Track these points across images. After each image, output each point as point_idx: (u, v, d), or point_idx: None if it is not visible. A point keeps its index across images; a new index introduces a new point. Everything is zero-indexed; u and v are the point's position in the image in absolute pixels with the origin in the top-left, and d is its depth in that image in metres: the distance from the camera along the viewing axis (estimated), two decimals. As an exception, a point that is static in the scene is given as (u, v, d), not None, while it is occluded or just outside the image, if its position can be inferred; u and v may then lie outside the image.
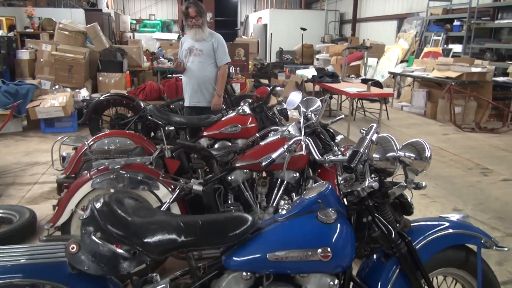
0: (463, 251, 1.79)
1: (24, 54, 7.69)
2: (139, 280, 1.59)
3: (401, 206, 1.75)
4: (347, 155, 1.77)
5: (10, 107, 4.29)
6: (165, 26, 18.48)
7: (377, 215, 1.64)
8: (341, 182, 1.69)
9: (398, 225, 1.68)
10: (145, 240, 1.38)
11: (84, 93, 7.00)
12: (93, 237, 1.32)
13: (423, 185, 1.61)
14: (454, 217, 1.85)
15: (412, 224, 1.74)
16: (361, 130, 1.63)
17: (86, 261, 1.33)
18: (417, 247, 1.67)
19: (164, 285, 1.56)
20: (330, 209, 1.57)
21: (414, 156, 1.58)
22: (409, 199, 1.73)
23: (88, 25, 8.53)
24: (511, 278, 2.79)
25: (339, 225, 1.54)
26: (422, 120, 8.01)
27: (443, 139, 6.54)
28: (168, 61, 9.20)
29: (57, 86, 7.17)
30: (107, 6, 16.29)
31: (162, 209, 2.52)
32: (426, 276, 1.66)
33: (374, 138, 1.51)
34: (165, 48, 11.80)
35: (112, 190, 2.50)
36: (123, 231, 1.36)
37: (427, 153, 1.57)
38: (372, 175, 1.66)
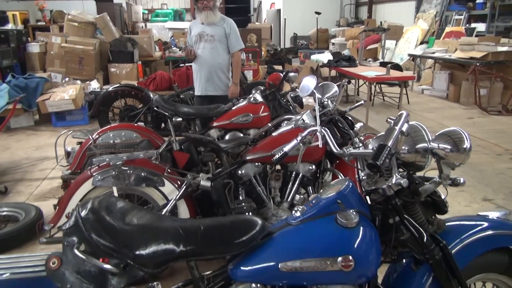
0: (506, 254, 1.55)
1: (34, 47, 7.60)
2: (138, 291, 1.42)
3: (433, 204, 1.53)
4: (370, 147, 1.55)
5: (12, 102, 4.17)
6: (177, 15, 18.26)
7: (406, 216, 1.42)
8: (364, 178, 1.48)
9: (430, 226, 1.46)
10: (138, 252, 1.20)
11: (94, 85, 6.88)
12: (76, 251, 1.15)
13: (461, 181, 1.38)
14: (494, 215, 1.61)
15: (446, 224, 1.51)
16: (388, 119, 1.40)
17: (69, 278, 1.16)
18: (453, 251, 1.44)
19: (164, 298, 1.38)
20: (352, 211, 1.36)
21: (450, 147, 1.35)
22: (443, 197, 1.50)
23: (97, 16, 8.39)
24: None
25: (362, 228, 1.33)
26: (445, 103, 7.64)
27: (468, 123, 6.20)
28: (180, 50, 9.01)
29: (67, 79, 7.08)
30: (119, -3, 16.11)
31: (167, 207, 2.35)
32: (463, 284, 1.44)
33: (404, 128, 1.27)
34: (178, 37, 11.59)
35: (114, 188, 2.34)
36: (111, 242, 1.18)
37: (466, 144, 1.33)
38: (400, 170, 1.44)
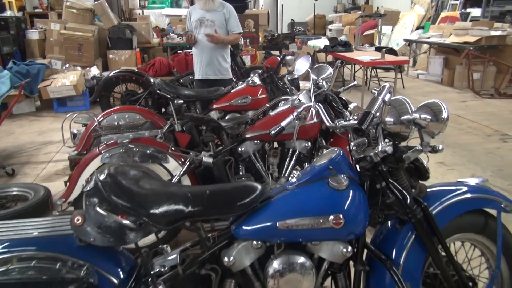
0: (482, 215, 1.71)
1: (33, 34, 7.66)
2: (149, 251, 1.57)
3: (417, 171, 1.68)
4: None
5: (18, 86, 4.29)
6: (174, 2, 18.15)
7: (391, 181, 1.57)
8: (353, 148, 1.63)
9: (413, 190, 1.61)
10: (152, 211, 1.35)
11: (94, 71, 6.98)
12: (98, 209, 1.30)
13: (440, 148, 1.53)
14: (473, 181, 1.77)
15: (428, 190, 1.67)
16: (373, 91, 1.55)
17: (92, 232, 1.31)
18: (433, 212, 1.60)
19: (174, 255, 1.54)
20: (342, 176, 1.51)
21: (430, 117, 1.50)
22: (425, 164, 1.66)
23: (95, 2, 8.43)
24: (532, 244, 2.70)
25: (351, 191, 1.49)
26: (439, 87, 7.78)
27: (461, 106, 6.35)
28: (178, 37, 9.06)
29: (67, 65, 7.16)
30: (115, -17, 16.01)
31: (172, 182, 2.50)
32: (443, 242, 1.60)
33: (387, 98, 1.42)
34: (175, 24, 11.60)
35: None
36: (128, 202, 1.33)
37: (444, 114, 1.48)
38: (386, 140, 1.59)
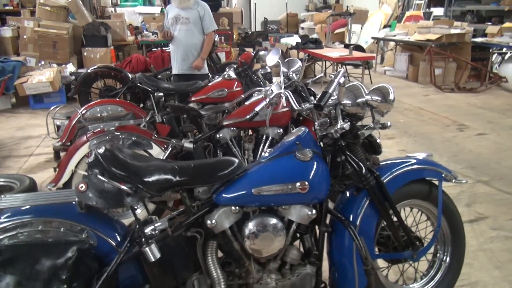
0: (427, 184, 2.02)
1: (6, 32, 7.63)
2: (141, 221, 1.79)
3: (371, 146, 1.97)
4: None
5: (2, 80, 4.37)
6: (147, 0, 18.15)
7: (349, 154, 1.85)
8: (317, 127, 1.89)
9: (368, 162, 1.90)
10: (145, 179, 1.57)
11: (70, 68, 7.05)
12: (99, 176, 1.51)
13: (388, 124, 1.82)
14: (420, 155, 2.07)
15: (381, 163, 1.96)
16: (330, 75, 1.82)
17: (94, 197, 1.52)
18: (385, 181, 1.88)
19: (163, 222, 1.77)
20: (307, 149, 1.77)
21: (380, 99, 1.78)
22: (377, 140, 1.94)
23: (69, 0, 8.44)
24: (478, 217, 3.06)
25: (315, 162, 1.75)
26: (404, 83, 8.22)
27: (424, 99, 6.78)
28: (153, 35, 9.19)
29: (42, 62, 7.19)
30: (87, -19, 15.86)
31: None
32: (393, 205, 1.89)
33: (341, 81, 1.69)
34: (148, 22, 11.66)
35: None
36: (125, 171, 1.55)
37: (391, 96, 1.77)
38: (345, 120, 1.87)
